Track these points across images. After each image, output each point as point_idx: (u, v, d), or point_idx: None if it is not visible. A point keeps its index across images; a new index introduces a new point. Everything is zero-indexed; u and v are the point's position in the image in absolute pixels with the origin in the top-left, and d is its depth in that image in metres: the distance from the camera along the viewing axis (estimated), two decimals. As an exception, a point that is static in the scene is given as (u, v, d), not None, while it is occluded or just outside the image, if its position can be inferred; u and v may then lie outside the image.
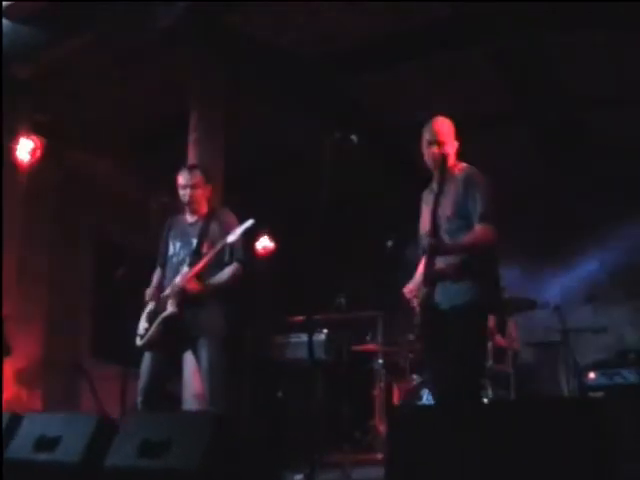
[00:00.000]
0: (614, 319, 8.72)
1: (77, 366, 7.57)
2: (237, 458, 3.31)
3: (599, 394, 6.48)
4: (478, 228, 4.05)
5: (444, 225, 4.13)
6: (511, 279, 9.16)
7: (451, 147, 4.29)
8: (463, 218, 4.10)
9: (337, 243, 8.60)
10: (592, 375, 6.67)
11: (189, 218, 4.99)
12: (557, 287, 9.22)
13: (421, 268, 4.36)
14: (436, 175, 4.31)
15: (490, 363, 6.35)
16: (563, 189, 9.51)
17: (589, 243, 9.33)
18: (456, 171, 4.25)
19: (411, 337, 6.67)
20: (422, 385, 6.52)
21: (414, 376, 6.86)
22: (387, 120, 8.52)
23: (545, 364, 8.06)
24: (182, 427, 3.31)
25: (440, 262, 4.07)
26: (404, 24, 6.61)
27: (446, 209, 4.14)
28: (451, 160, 4.29)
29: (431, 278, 4.07)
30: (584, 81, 7.46)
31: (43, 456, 3.61)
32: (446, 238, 4.09)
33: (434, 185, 4.33)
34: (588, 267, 9.32)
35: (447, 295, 4.07)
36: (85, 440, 3.52)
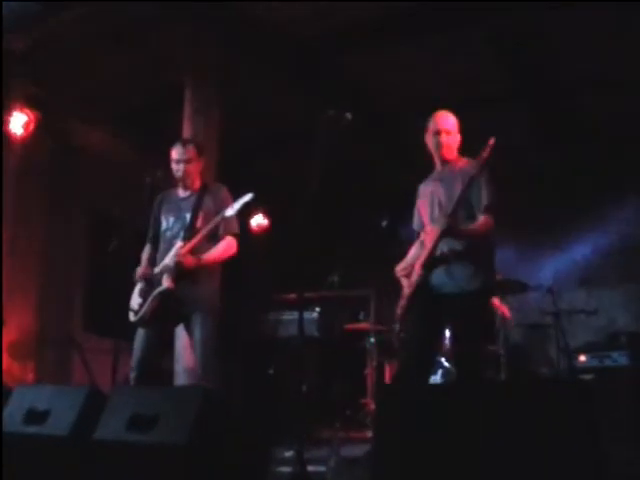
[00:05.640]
0: (606, 302, 8.77)
1: (69, 339, 7.58)
2: (226, 433, 3.32)
3: (589, 376, 6.51)
4: (483, 218, 4.12)
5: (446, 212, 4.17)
6: (505, 261, 9.24)
7: (456, 139, 4.35)
8: (465, 209, 4.14)
9: (331, 221, 8.61)
10: (583, 357, 6.70)
11: (181, 192, 4.95)
12: (550, 269, 9.26)
13: (413, 250, 4.45)
14: (439, 164, 4.38)
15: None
16: (559, 171, 9.51)
17: (583, 226, 9.36)
18: (460, 164, 4.30)
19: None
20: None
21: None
22: (384, 99, 8.49)
23: (536, 345, 8.10)
24: (171, 401, 3.31)
25: (442, 246, 4.11)
26: (403, 4, 6.55)
27: (452, 198, 4.15)
28: (455, 153, 4.35)
29: (434, 260, 4.12)
30: (583, 62, 7.42)
31: (32, 429, 3.61)
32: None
33: (436, 174, 4.40)
34: (582, 250, 9.35)
35: (452, 279, 4.11)
36: (74, 413, 3.52)
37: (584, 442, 2.52)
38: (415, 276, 4.17)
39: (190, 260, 4.62)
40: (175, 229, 4.83)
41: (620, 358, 6.57)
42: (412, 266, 4.27)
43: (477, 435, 2.66)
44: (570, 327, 7.07)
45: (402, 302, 4.26)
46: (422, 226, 4.46)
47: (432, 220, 4.28)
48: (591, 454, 2.50)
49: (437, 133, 4.31)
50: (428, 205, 4.35)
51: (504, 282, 6.78)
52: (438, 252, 4.11)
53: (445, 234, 4.03)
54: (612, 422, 5.38)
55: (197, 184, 4.93)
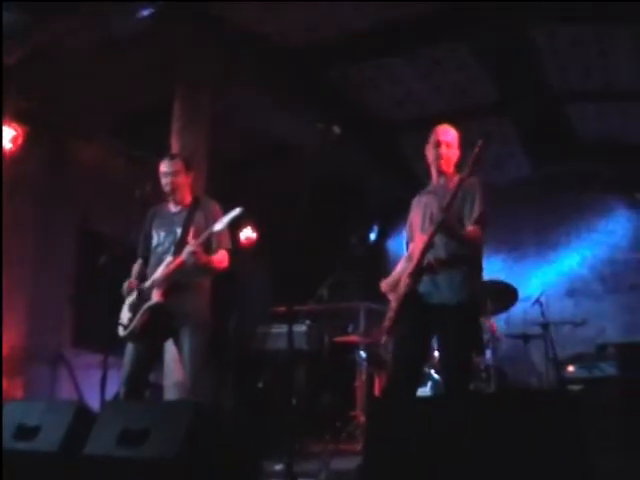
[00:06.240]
0: (594, 313, 8.80)
1: (58, 355, 7.54)
2: (216, 447, 3.32)
3: (578, 387, 6.52)
4: (471, 228, 4.14)
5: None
6: (493, 272, 9.27)
7: (455, 152, 4.38)
8: (457, 221, 4.15)
9: (320, 234, 8.61)
10: (571, 368, 6.71)
11: (172, 207, 4.95)
12: (538, 280, 9.29)
13: (400, 265, 4.46)
14: (435, 177, 4.40)
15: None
16: (546, 182, 9.56)
17: (571, 237, 9.40)
18: (456, 179, 4.26)
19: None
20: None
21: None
22: (371, 111, 8.52)
23: (525, 356, 8.11)
24: (161, 416, 3.31)
25: (429, 255, 4.12)
26: (389, 16, 6.59)
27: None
28: (452, 167, 4.37)
29: (421, 269, 4.12)
30: (569, 74, 7.48)
31: (22, 445, 3.60)
32: (438, 239, 4.13)
33: (431, 187, 4.43)
34: (569, 261, 9.39)
35: (437, 289, 4.13)
36: (64, 429, 3.51)
37: (572, 453, 2.53)
38: (403, 287, 4.17)
39: (202, 257, 4.62)
40: (166, 244, 4.83)
41: (608, 369, 6.57)
42: (398, 280, 4.28)
43: (466, 447, 2.67)
44: (558, 338, 7.09)
45: (390, 314, 4.24)
46: (412, 238, 4.46)
47: (422, 231, 4.29)
48: (579, 465, 2.51)
49: (437, 145, 4.34)
50: (420, 216, 4.36)
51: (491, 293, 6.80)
52: (425, 262, 4.12)
53: (440, 227, 4.01)
54: (601, 432, 5.38)
55: (188, 199, 4.94)
